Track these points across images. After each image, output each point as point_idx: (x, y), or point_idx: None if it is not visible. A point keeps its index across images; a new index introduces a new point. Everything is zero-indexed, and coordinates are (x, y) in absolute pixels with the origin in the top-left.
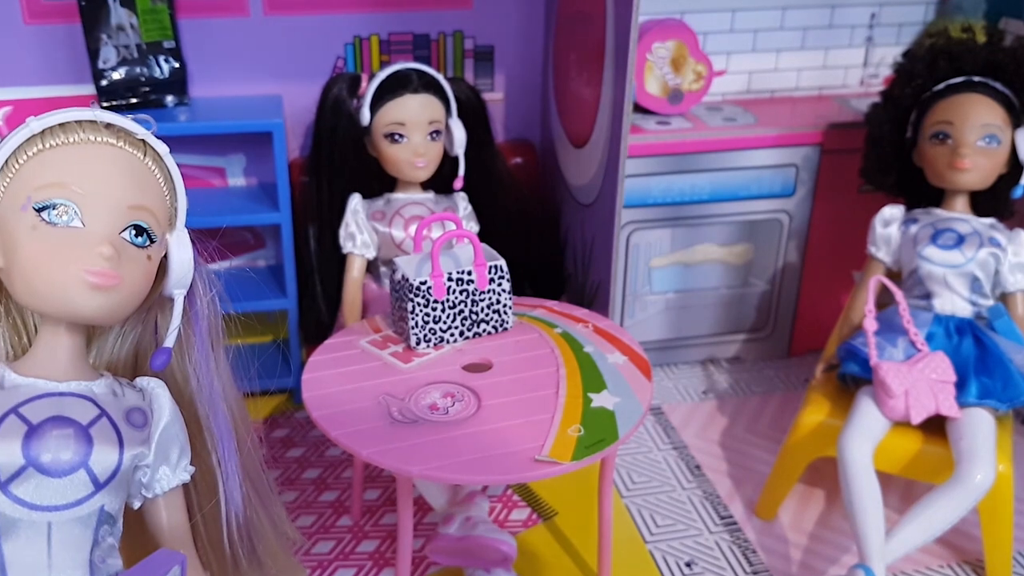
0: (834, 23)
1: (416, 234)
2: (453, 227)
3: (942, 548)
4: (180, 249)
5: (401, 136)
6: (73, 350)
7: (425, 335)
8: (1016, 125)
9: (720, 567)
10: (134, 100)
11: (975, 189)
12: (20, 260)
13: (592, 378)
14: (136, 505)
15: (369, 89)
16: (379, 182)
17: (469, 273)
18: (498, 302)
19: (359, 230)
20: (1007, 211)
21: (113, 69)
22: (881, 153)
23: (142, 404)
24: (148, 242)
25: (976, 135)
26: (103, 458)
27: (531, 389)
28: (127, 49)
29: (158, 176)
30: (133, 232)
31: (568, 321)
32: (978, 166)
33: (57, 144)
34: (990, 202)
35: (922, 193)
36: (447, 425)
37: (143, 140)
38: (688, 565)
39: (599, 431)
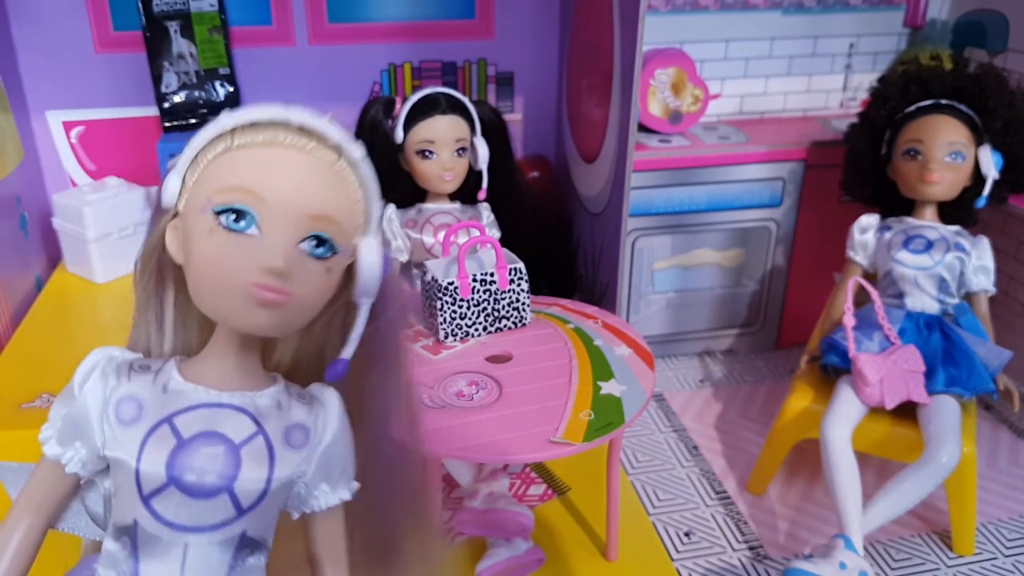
0: (817, 52)
1: (444, 240)
2: (477, 234)
3: (913, 520)
4: (370, 256)
5: (431, 153)
6: (244, 357)
7: (452, 330)
8: (979, 143)
9: (715, 536)
10: (193, 121)
11: (943, 200)
12: (194, 262)
13: (601, 368)
14: (294, 517)
15: (402, 111)
16: (411, 194)
17: (492, 275)
18: (517, 300)
19: (393, 236)
20: (971, 220)
21: (174, 93)
22: (859, 168)
23: (306, 420)
24: (329, 253)
25: (943, 152)
26: (249, 484)
27: (547, 378)
28: (187, 75)
29: (350, 182)
30: (313, 243)
31: (580, 318)
32: (945, 180)
33: (245, 144)
34: (956, 212)
35: (895, 203)
36: (472, 410)
37: (337, 145)
38: (687, 535)
39: (607, 415)
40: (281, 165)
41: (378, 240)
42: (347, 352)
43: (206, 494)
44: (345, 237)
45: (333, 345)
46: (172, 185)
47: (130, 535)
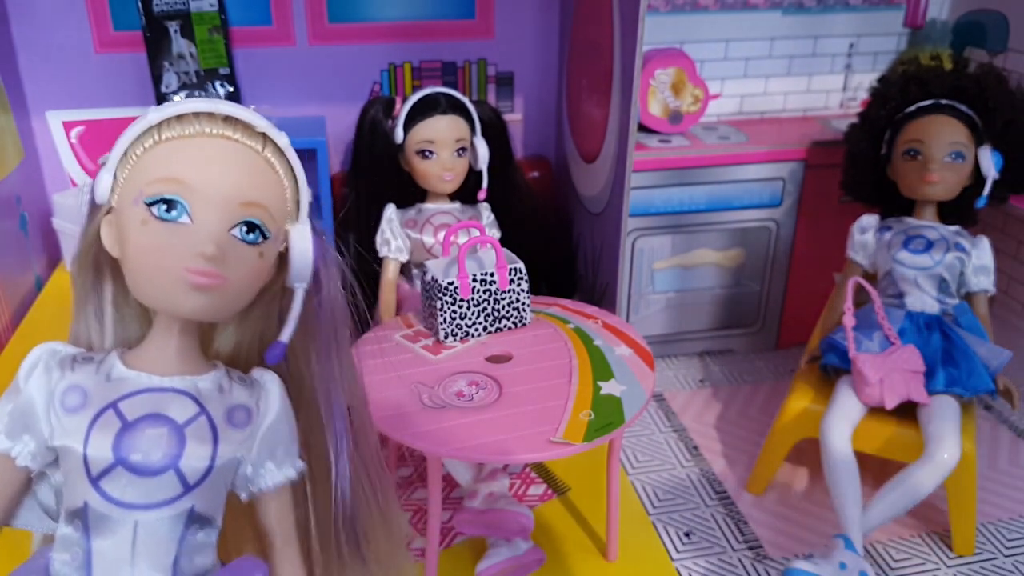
0: (817, 52)
1: (444, 240)
2: (477, 234)
3: (913, 520)
4: (301, 242)
5: (431, 153)
6: (184, 343)
7: (452, 330)
8: (979, 143)
9: (715, 536)
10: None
11: (942, 200)
12: (129, 253)
13: (601, 368)
14: (243, 498)
15: (402, 111)
16: (411, 194)
17: (492, 275)
18: (517, 300)
19: (393, 236)
20: (971, 219)
21: (174, 93)
22: (859, 168)
23: (248, 401)
24: (260, 239)
25: (943, 152)
26: (194, 460)
27: (547, 378)
28: (187, 75)
29: (277, 169)
30: (244, 229)
31: (580, 317)
32: (945, 180)
33: (172, 137)
34: (956, 211)
35: (895, 203)
36: (472, 410)
37: (263, 132)
38: (687, 535)
39: (607, 415)
40: (209, 154)
41: (307, 226)
42: (284, 335)
43: (153, 472)
44: (275, 223)
45: (272, 330)
46: (104, 181)
47: (81, 517)
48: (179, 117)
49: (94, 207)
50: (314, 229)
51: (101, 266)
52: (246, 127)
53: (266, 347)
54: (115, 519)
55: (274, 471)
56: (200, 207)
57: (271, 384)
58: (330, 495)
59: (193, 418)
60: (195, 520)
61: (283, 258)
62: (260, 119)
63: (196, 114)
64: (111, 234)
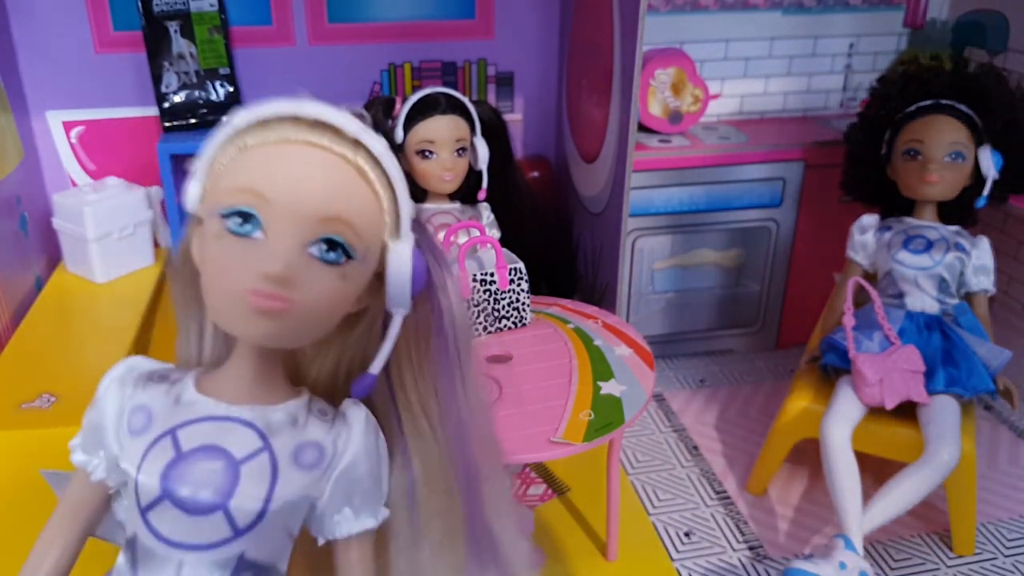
0: (817, 52)
1: (444, 240)
2: (477, 234)
3: (913, 519)
4: (398, 262)
5: (431, 153)
6: (263, 368)
7: None
8: (979, 143)
9: (715, 536)
10: (193, 121)
11: (942, 200)
12: (204, 268)
13: (601, 368)
14: (320, 542)
15: (402, 111)
16: (411, 193)
17: (492, 275)
18: (517, 300)
19: None
20: (971, 219)
21: (174, 93)
22: (859, 168)
23: (323, 439)
24: (343, 258)
25: (943, 152)
26: (246, 502)
27: (547, 378)
28: (187, 75)
29: (371, 180)
30: (324, 247)
31: (580, 318)
32: (945, 180)
33: (257, 143)
34: (956, 211)
35: (895, 203)
36: None
37: (355, 139)
38: (687, 535)
39: (607, 415)
40: (289, 163)
41: (409, 244)
42: (375, 367)
43: (200, 510)
44: (364, 241)
45: (371, 357)
46: (192, 190)
47: (132, 548)
48: (263, 122)
49: (189, 218)
50: (421, 246)
51: (198, 280)
52: (336, 132)
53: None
54: (160, 555)
55: (351, 519)
56: (275, 221)
57: (355, 420)
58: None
59: (253, 454)
60: (247, 568)
61: (383, 278)
62: (353, 122)
63: (281, 118)
64: (197, 246)
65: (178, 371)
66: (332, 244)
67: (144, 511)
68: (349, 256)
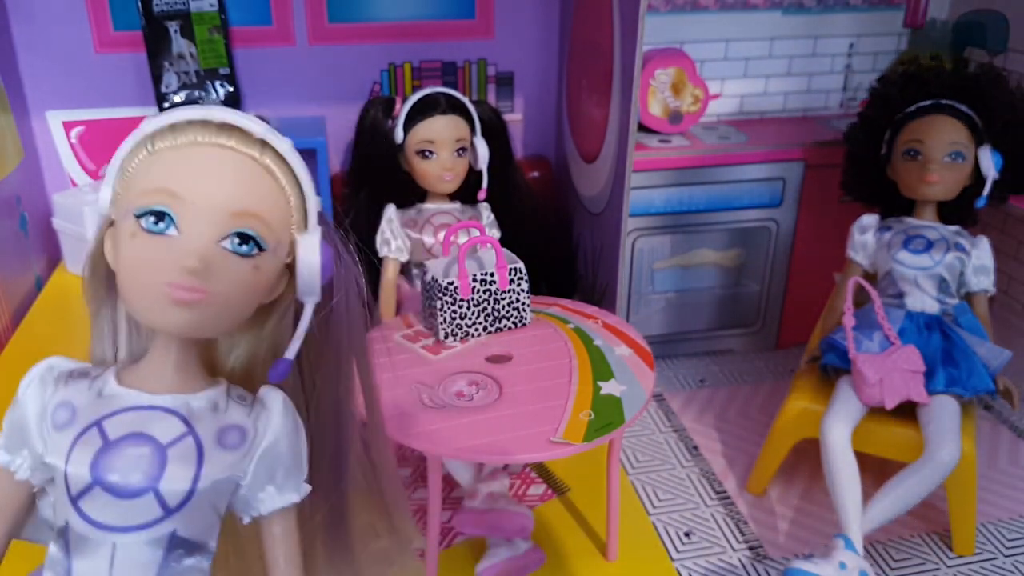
0: (817, 52)
1: (444, 240)
2: (477, 234)
3: (913, 519)
4: (308, 253)
5: (431, 153)
6: (182, 359)
7: (452, 330)
8: (979, 143)
9: (715, 536)
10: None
11: (942, 200)
12: (120, 267)
13: (601, 368)
14: (244, 521)
15: (402, 111)
16: (411, 194)
17: (491, 275)
18: (517, 300)
19: (393, 236)
20: (971, 219)
21: (174, 93)
22: (859, 168)
23: (244, 421)
24: (255, 250)
25: (943, 152)
26: (174, 482)
27: (547, 378)
28: (187, 75)
29: (277, 177)
30: (236, 240)
31: (580, 318)
32: (945, 180)
33: (164, 147)
34: (956, 211)
35: (895, 203)
36: (472, 410)
37: (261, 139)
38: (687, 535)
39: (607, 415)
40: (199, 163)
41: (317, 236)
42: (290, 352)
43: (131, 494)
44: (274, 234)
45: (282, 347)
46: (104, 194)
47: (64, 537)
48: (173, 126)
49: (101, 220)
50: (327, 238)
51: (111, 280)
52: (243, 133)
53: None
54: (94, 541)
55: (274, 495)
56: (188, 218)
57: (273, 403)
58: (335, 520)
59: (178, 438)
60: (178, 545)
61: (293, 270)
62: (258, 124)
63: (190, 122)
64: (110, 247)
65: (96, 368)
66: (244, 237)
67: (75, 500)
68: (261, 248)
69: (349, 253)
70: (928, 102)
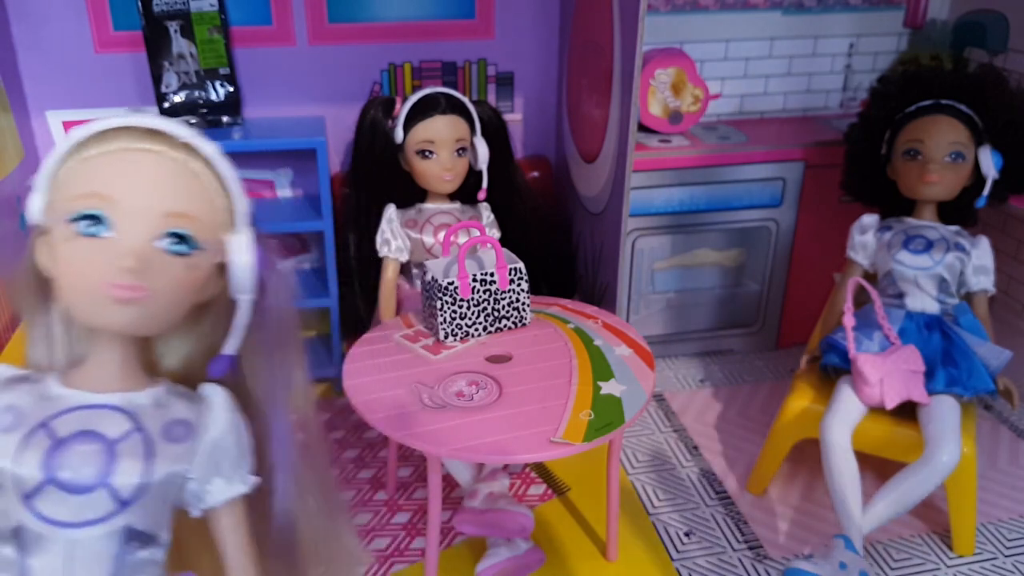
0: (817, 52)
1: (444, 240)
2: (477, 234)
3: (913, 519)
4: (238, 252)
5: (431, 152)
6: (123, 359)
7: (452, 330)
8: (979, 143)
9: (715, 536)
10: (193, 120)
11: (942, 200)
12: (59, 271)
13: (601, 368)
14: (194, 515)
15: (402, 111)
16: (411, 193)
17: (491, 275)
18: (517, 300)
19: (393, 236)
20: (971, 219)
21: (174, 93)
22: (859, 168)
23: (189, 416)
24: (189, 249)
25: (943, 152)
26: (126, 476)
27: (547, 378)
28: (187, 75)
29: (205, 180)
30: (171, 240)
31: (580, 317)
32: (945, 180)
33: (95, 154)
34: (956, 211)
35: (895, 203)
36: (472, 410)
37: (187, 143)
38: (687, 535)
39: (607, 415)
40: (131, 167)
41: (247, 236)
42: (229, 348)
43: (83, 489)
44: (208, 233)
45: (218, 346)
46: (35, 202)
47: (16, 537)
48: (102, 134)
49: (30, 229)
50: (258, 238)
51: (43, 287)
52: (169, 139)
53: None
54: (48, 538)
55: (223, 487)
56: (122, 220)
57: (215, 398)
58: (270, 514)
59: (126, 434)
60: (133, 537)
61: (224, 270)
62: (183, 129)
63: (117, 129)
64: (45, 254)
65: (36, 374)
66: (178, 237)
67: (27, 499)
68: (194, 247)
69: (272, 254)
70: (928, 102)
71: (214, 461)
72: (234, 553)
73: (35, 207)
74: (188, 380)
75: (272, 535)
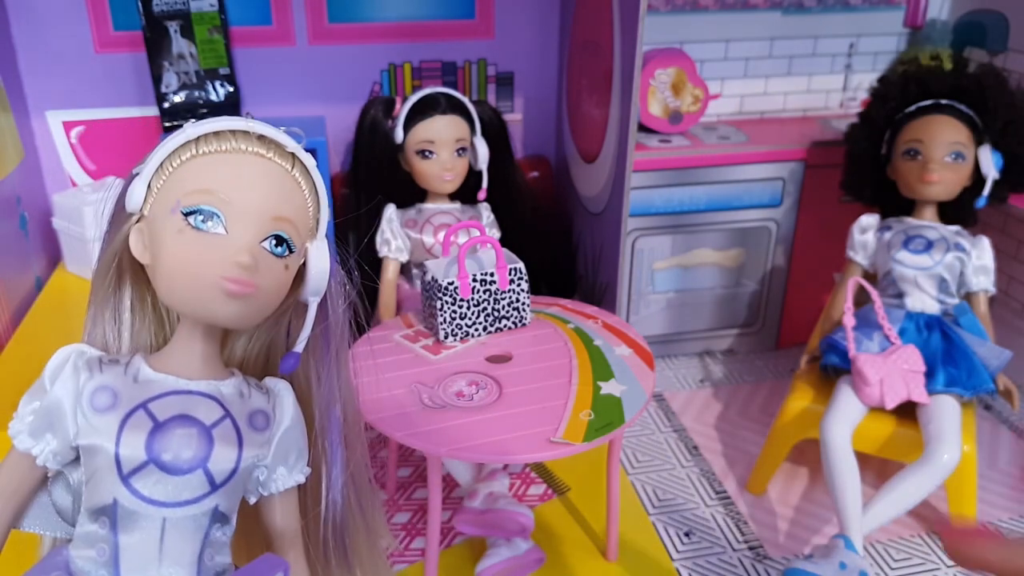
0: (817, 52)
1: (444, 240)
2: (477, 234)
3: (913, 520)
4: (319, 259)
5: (431, 153)
6: (207, 349)
7: (452, 330)
8: (979, 143)
9: (715, 537)
10: (193, 121)
11: (943, 200)
12: (164, 261)
13: (601, 368)
14: (252, 501)
15: (402, 111)
16: (411, 194)
17: (491, 275)
18: (517, 300)
19: (393, 236)
20: (971, 219)
21: (174, 93)
22: (859, 168)
23: (266, 407)
24: (287, 252)
25: (943, 152)
26: (222, 460)
27: (547, 378)
28: (187, 75)
29: (303, 188)
30: (273, 242)
31: (580, 317)
32: (945, 180)
33: (210, 151)
34: (956, 211)
35: (895, 203)
36: (472, 410)
37: (292, 152)
38: (687, 535)
39: (607, 415)
40: (244, 170)
41: (325, 243)
42: (299, 346)
43: (183, 471)
44: (300, 238)
45: (277, 342)
46: (138, 191)
47: (109, 514)
48: (216, 133)
49: (121, 215)
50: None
51: (123, 273)
52: (278, 147)
53: (271, 358)
54: (144, 516)
55: (286, 475)
56: (234, 219)
57: (285, 392)
58: (320, 503)
59: (219, 420)
60: (218, 519)
61: (298, 273)
62: (291, 140)
63: (232, 131)
64: (141, 241)
65: (122, 356)
66: (279, 240)
67: (126, 477)
68: (291, 250)
69: (335, 260)
70: (928, 102)
71: (283, 451)
72: (289, 539)
73: (138, 194)
74: (257, 373)
75: (315, 525)
